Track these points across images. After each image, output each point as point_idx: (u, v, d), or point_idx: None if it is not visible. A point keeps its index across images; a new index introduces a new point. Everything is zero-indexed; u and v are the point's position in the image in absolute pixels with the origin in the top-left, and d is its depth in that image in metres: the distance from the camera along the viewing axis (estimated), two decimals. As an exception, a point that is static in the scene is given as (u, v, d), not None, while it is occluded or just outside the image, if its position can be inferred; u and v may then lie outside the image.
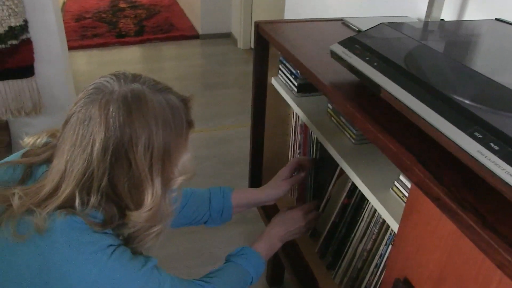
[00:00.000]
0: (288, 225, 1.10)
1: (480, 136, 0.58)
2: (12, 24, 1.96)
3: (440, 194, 0.59)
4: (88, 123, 0.68)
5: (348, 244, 1.08)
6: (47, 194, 0.70)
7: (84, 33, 4.36)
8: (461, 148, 0.59)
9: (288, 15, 2.34)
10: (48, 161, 0.76)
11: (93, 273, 0.68)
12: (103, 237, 0.71)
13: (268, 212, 1.47)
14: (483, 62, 0.84)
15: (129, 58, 4.03)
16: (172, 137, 0.73)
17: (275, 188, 1.17)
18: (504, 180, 0.53)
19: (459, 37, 0.99)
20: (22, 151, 0.82)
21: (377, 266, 0.96)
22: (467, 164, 0.59)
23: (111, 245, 0.71)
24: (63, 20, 4.61)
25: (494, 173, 0.54)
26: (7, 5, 1.90)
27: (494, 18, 1.02)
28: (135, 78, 0.74)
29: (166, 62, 4.02)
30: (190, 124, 0.79)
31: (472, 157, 0.57)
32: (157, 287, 0.76)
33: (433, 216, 0.61)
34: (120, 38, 4.26)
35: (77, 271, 0.67)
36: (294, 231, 1.11)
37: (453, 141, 0.61)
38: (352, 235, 1.06)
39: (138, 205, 0.72)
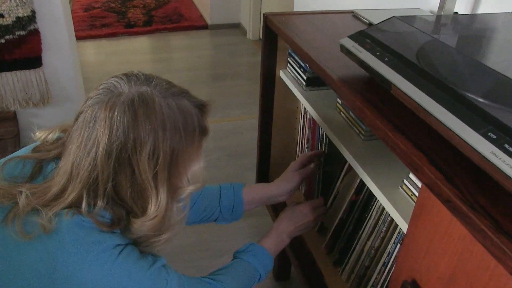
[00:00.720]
0: (296, 220, 1.08)
1: (494, 137, 0.56)
2: (20, 15, 1.95)
3: (451, 196, 0.57)
4: (94, 125, 0.67)
5: (356, 241, 1.07)
6: (54, 195, 0.69)
7: (92, 23, 4.35)
8: (473, 148, 0.57)
9: (298, 6, 2.31)
10: (58, 157, 0.75)
11: (100, 273, 0.67)
12: (111, 237, 0.70)
13: (276, 206, 1.46)
14: (499, 58, 0.82)
15: (137, 49, 4.02)
16: (181, 145, 0.70)
17: (287, 181, 1.13)
18: (519, 184, 0.51)
19: (473, 31, 0.96)
20: (33, 145, 0.81)
21: (384, 265, 0.95)
22: (480, 166, 0.57)
23: (119, 244, 0.70)
24: (72, 10, 4.62)
25: (508, 175, 0.52)
26: (14, -5, 1.89)
27: (510, 11, 0.99)
28: (147, 80, 0.71)
29: (174, 53, 4.00)
30: (204, 132, 0.75)
31: (485, 158, 0.55)
32: (164, 286, 0.75)
33: (444, 218, 0.59)
34: (129, 28, 4.25)
35: (84, 270, 0.66)
36: (303, 226, 1.09)
37: (465, 141, 0.58)
38: (360, 232, 1.04)
39: (143, 211, 0.70)
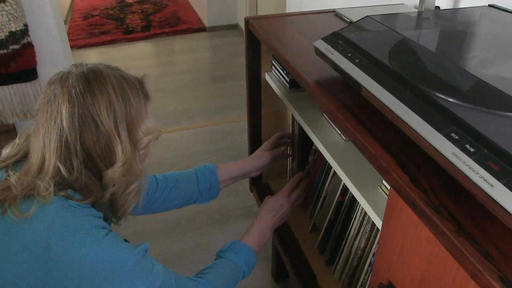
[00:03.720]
0: (274, 212, 1.12)
1: (457, 137, 0.56)
2: (13, 29, 1.97)
3: (416, 199, 0.57)
4: (54, 99, 0.75)
5: (344, 242, 1.07)
6: (37, 170, 0.75)
7: (91, 31, 4.38)
8: (436, 150, 0.57)
9: (290, 6, 2.30)
10: (25, 156, 0.81)
11: (92, 247, 0.72)
12: (97, 220, 0.76)
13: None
14: (471, 55, 0.81)
15: (136, 54, 4.05)
16: (130, 104, 0.79)
17: (259, 158, 1.25)
18: (477, 185, 0.51)
19: (448, 27, 0.95)
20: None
21: (371, 265, 0.95)
22: (444, 167, 0.56)
23: (104, 227, 0.77)
24: (71, 19, 4.65)
25: (467, 176, 0.52)
26: (6, 10, 1.91)
27: (487, 5, 0.98)
28: (90, 63, 0.82)
29: (173, 56, 4.02)
30: (146, 97, 0.85)
31: (447, 159, 0.55)
32: (151, 267, 0.80)
33: (412, 220, 0.59)
34: (127, 34, 4.27)
35: (76, 247, 0.71)
36: (282, 216, 1.14)
37: (429, 143, 0.58)
38: (347, 233, 1.04)
39: (110, 163, 0.77)
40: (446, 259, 0.53)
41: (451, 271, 0.52)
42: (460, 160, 0.53)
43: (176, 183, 1.14)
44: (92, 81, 0.76)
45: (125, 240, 0.79)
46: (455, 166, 0.54)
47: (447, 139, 0.56)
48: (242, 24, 4.29)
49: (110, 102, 0.76)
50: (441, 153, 0.56)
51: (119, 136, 0.77)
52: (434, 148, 0.57)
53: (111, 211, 0.84)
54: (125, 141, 0.78)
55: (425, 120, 0.60)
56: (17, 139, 0.85)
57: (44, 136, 0.75)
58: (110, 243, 0.74)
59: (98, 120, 0.75)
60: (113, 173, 0.77)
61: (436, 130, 0.58)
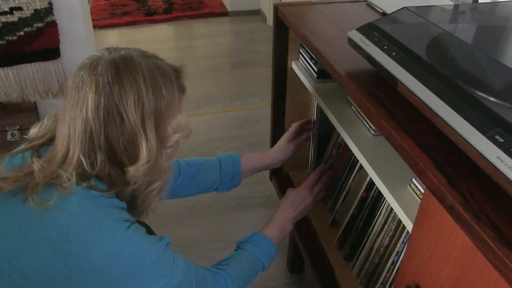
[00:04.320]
0: (296, 205, 1.11)
1: (501, 140, 0.53)
2: (38, 7, 1.96)
3: (454, 203, 0.54)
4: (81, 86, 0.72)
5: (366, 238, 1.05)
6: (60, 160, 0.73)
7: (113, 11, 4.37)
8: (479, 152, 0.54)
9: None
10: (53, 139, 0.78)
11: (112, 241, 0.70)
12: (120, 211, 0.74)
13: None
14: (514, 51, 0.77)
15: (157, 36, 4.03)
16: (162, 97, 0.75)
17: (281, 151, 1.22)
18: (524, 192, 0.48)
19: (492, 22, 0.91)
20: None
21: (393, 264, 0.92)
22: (485, 171, 0.54)
23: (127, 220, 0.74)
24: (93, -1, 4.64)
25: (513, 183, 0.49)
26: (31, -13, 1.90)
27: (531, -1, 0.94)
28: (125, 48, 0.78)
29: (194, 40, 3.99)
30: (181, 89, 0.81)
31: (491, 163, 0.52)
32: (172, 261, 0.78)
33: (447, 225, 0.57)
34: (149, 16, 4.25)
35: (97, 240, 0.69)
36: (304, 209, 1.12)
37: (471, 145, 0.55)
38: (370, 229, 1.02)
39: (134, 160, 0.74)
40: (484, 268, 0.50)
41: (490, 281, 0.50)
42: (506, 164, 0.51)
43: (199, 170, 1.13)
44: (122, 70, 0.72)
45: (150, 231, 0.78)
46: (499, 170, 0.51)
47: (491, 141, 0.53)
48: (264, 10, 4.23)
49: (139, 95, 0.72)
50: (484, 157, 0.53)
51: (145, 132, 0.74)
52: (477, 150, 0.54)
53: (132, 207, 0.82)
54: (151, 138, 0.75)
55: (467, 121, 0.57)
56: (45, 119, 0.83)
57: (69, 124, 0.73)
58: (131, 237, 0.72)
59: (124, 113, 0.72)
60: (135, 170, 0.74)
61: (479, 131, 0.55)
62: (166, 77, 0.77)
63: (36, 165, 0.73)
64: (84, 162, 0.72)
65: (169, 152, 0.81)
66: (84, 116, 0.71)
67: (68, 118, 0.73)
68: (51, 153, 0.75)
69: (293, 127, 1.27)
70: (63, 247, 0.68)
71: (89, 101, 0.71)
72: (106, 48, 0.77)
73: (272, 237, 1.03)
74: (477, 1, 1.12)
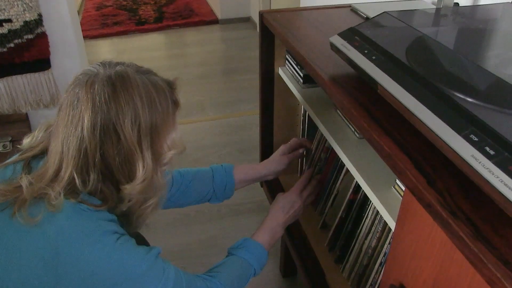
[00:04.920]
0: (286, 210, 1.10)
1: (476, 139, 0.55)
2: (27, 19, 1.98)
3: (432, 201, 0.55)
4: (77, 103, 0.71)
5: (355, 240, 1.06)
6: (52, 177, 0.73)
7: (104, 21, 4.39)
8: (455, 151, 0.56)
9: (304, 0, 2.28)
10: (45, 152, 0.78)
11: (101, 255, 0.70)
12: (109, 224, 0.74)
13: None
14: (492, 53, 0.79)
15: (149, 45, 4.04)
16: (158, 114, 0.75)
17: (275, 162, 1.21)
18: (497, 189, 0.49)
19: (469, 25, 0.93)
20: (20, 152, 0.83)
21: (381, 265, 0.93)
22: (461, 169, 0.55)
23: (116, 232, 0.74)
24: (84, 9, 4.67)
25: (486, 180, 0.50)
26: (21, 0, 1.91)
27: (510, 1, 0.96)
28: (119, 63, 0.78)
29: (186, 48, 4.01)
30: (176, 104, 0.81)
31: (466, 161, 0.54)
32: (162, 272, 0.78)
33: (426, 223, 0.58)
34: (140, 26, 4.27)
35: (86, 253, 0.69)
36: (294, 214, 1.12)
37: (447, 144, 0.57)
38: (358, 231, 1.03)
39: (130, 178, 0.74)
40: (461, 264, 0.52)
41: (467, 277, 0.51)
42: (480, 162, 0.52)
43: (192, 181, 1.13)
44: (118, 88, 0.72)
45: (142, 239, 0.78)
46: (474, 169, 0.52)
47: (466, 140, 0.55)
48: (255, 17, 4.26)
49: (135, 114, 0.72)
50: (459, 155, 0.55)
51: (141, 151, 0.73)
52: (452, 149, 0.56)
53: (127, 222, 0.81)
54: (147, 156, 0.74)
55: (443, 120, 0.59)
56: (36, 130, 0.83)
57: (63, 141, 0.72)
58: (120, 249, 0.72)
59: (121, 133, 0.71)
60: (131, 189, 0.74)
61: (455, 131, 0.57)
62: (161, 93, 0.77)
63: (25, 181, 0.72)
64: (77, 180, 0.72)
65: (164, 169, 0.81)
66: (80, 135, 0.71)
67: (62, 135, 0.72)
68: (42, 168, 0.75)
69: (290, 142, 1.26)
70: (52, 260, 0.68)
71: (85, 120, 0.70)
72: (101, 63, 0.77)
73: (263, 242, 1.03)
74: (458, 5, 1.14)
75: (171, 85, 0.81)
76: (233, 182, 1.17)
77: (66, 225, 0.70)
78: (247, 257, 0.99)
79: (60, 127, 0.73)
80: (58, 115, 0.75)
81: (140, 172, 0.74)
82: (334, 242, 1.19)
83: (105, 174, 0.74)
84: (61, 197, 0.70)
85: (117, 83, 0.72)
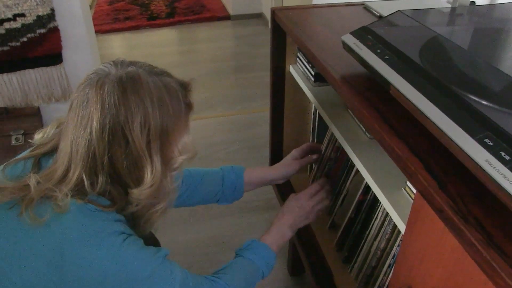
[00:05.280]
0: (295, 212, 1.08)
1: (491, 143, 0.53)
2: (40, 13, 1.99)
3: (443, 206, 0.54)
4: (86, 104, 0.71)
5: (363, 241, 1.05)
6: (60, 177, 0.73)
7: (116, 16, 4.40)
8: (468, 155, 0.54)
9: (316, -4, 2.26)
10: (55, 149, 0.78)
11: (106, 256, 0.69)
12: (117, 224, 0.73)
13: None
14: (509, 54, 0.77)
15: (160, 41, 4.05)
16: (169, 117, 0.74)
17: (286, 167, 1.20)
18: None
19: (486, 25, 0.91)
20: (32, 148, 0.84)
21: (390, 267, 0.92)
22: (475, 174, 0.54)
23: (123, 232, 0.73)
24: (96, 4, 4.69)
25: (501, 186, 0.49)
26: (34, -6, 1.93)
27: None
28: (132, 63, 0.76)
29: (197, 44, 4.01)
30: (189, 107, 0.80)
31: (480, 166, 0.52)
32: (168, 275, 0.77)
33: (437, 227, 0.57)
34: (152, 21, 4.28)
35: (91, 254, 0.69)
36: (303, 217, 1.09)
37: (460, 148, 0.56)
38: (367, 232, 1.02)
39: (138, 182, 0.73)
40: (473, 271, 0.51)
41: (478, 284, 0.50)
42: (494, 168, 0.51)
43: (201, 181, 1.12)
44: (129, 90, 0.71)
45: (151, 237, 0.76)
46: (487, 174, 0.51)
47: (480, 144, 0.54)
48: (267, 13, 4.24)
49: (145, 117, 0.71)
50: (473, 159, 0.53)
51: (150, 155, 0.72)
52: (466, 153, 0.54)
53: (134, 225, 0.80)
54: (156, 161, 0.73)
55: (457, 124, 0.58)
56: (49, 126, 0.83)
57: (72, 142, 0.72)
58: (127, 250, 0.71)
59: (129, 136, 0.70)
60: (139, 194, 0.73)
61: (469, 134, 0.55)
62: (173, 96, 0.75)
63: (33, 180, 0.72)
64: (85, 182, 0.71)
65: (174, 174, 0.80)
66: (88, 136, 0.70)
67: (71, 135, 0.72)
68: (51, 168, 0.75)
69: (302, 146, 1.24)
70: (57, 260, 0.68)
71: (94, 122, 0.70)
72: (113, 61, 0.76)
73: (270, 243, 1.02)
74: (474, 3, 1.12)
75: (185, 87, 0.80)
76: (243, 184, 1.16)
77: (72, 226, 0.69)
78: (254, 258, 0.98)
79: (70, 127, 0.72)
80: (68, 114, 0.74)
81: (148, 176, 0.73)
82: (343, 242, 1.18)
83: (113, 177, 0.73)
84: (68, 199, 0.69)
85: (127, 85, 0.71)
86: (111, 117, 0.69)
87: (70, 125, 0.72)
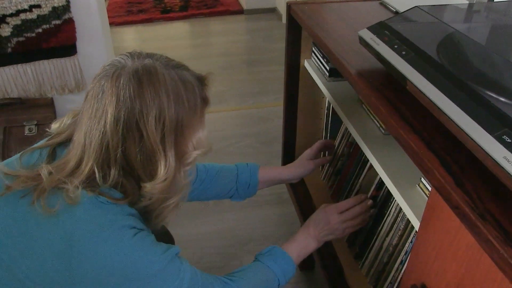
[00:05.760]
0: (321, 224, 1.02)
1: (509, 140, 0.53)
2: (55, 4, 2.00)
3: (460, 203, 0.54)
4: (102, 96, 0.70)
5: (375, 237, 1.05)
6: (72, 169, 0.72)
7: (130, 8, 4.42)
8: (486, 152, 0.54)
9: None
10: (70, 140, 0.78)
11: (115, 249, 0.69)
12: (128, 218, 0.72)
13: (301, 201, 1.45)
14: (527, 51, 0.76)
15: (173, 34, 4.06)
16: (185, 112, 0.73)
17: (300, 167, 1.20)
18: (530, 193, 0.48)
19: (504, 22, 0.90)
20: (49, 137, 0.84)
21: (402, 263, 0.92)
22: (492, 171, 0.53)
23: (134, 227, 0.72)
24: (110, -4, 4.69)
25: (519, 184, 0.49)
26: (50, -15, 1.94)
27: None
28: (149, 55, 0.75)
29: (210, 38, 4.01)
30: (205, 101, 0.79)
31: (498, 163, 0.52)
32: (177, 273, 0.76)
33: (453, 224, 0.57)
34: (165, 14, 4.29)
35: (99, 247, 0.68)
36: (329, 231, 1.03)
37: (478, 144, 0.55)
38: (379, 228, 1.02)
39: (152, 176, 0.72)
40: (489, 268, 0.50)
41: (495, 282, 0.50)
42: (512, 165, 0.50)
43: (216, 177, 1.12)
44: (144, 84, 0.69)
45: (167, 233, 0.75)
46: (506, 171, 0.51)
47: (498, 141, 0.53)
48: (280, 8, 4.23)
49: (160, 111, 0.70)
50: (491, 156, 0.53)
51: (164, 150, 0.71)
52: (484, 150, 0.54)
53: (146, 219, 0.79)
54: (170, 156, 0.72)
55: (474, 120, 0.57)
56: (65, 116, 0.83)
57: (86, 134, 0.71)
58: (136, 245, 0.70)
59: (144, 130, 0.69)
60: (152, 188, 0.72)
61: (487, 131, 0.55)
62: (189, 90, 0.74)
63: (45, 171, 0.71)
64: (97, 175, 0.71)
65: (188, 169, 0.79)
66: (102, 129, 0.70)
67: (85, 127, 0.72)
68: (64, 159, 0.74)
69: (316, 145, 1.22)
70: (66, 251, 0.68)
71: (109, 114, 0.69)
72: (129, 53, 0.75)
73: (291, 252, 0.98)
74: (492, 0, 1.11)
75: (202, 81, 0.79)
76: (256, 182, 1.16)
77: (82, 218, 0.69)
78: (272, 266, 0.94)
79: (85, 119, 0.72)
80: (83, 105, 0.74)
81: (161, 171, 0.72)
82: (354, 238, 1.18)
83: (126, 170, 0.73)
84: (79, 191, 0.69)
85: (143, 78, 0.70)
86: (126, 110, 0.69)
87: (85, 116, 0.72)
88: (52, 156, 0.78)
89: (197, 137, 0.78)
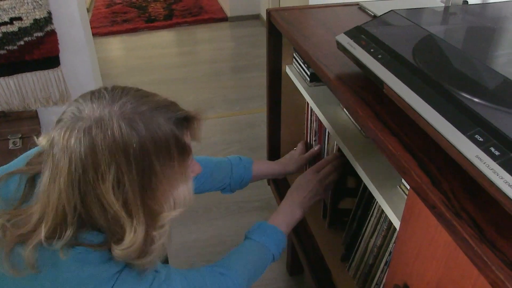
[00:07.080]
0: (302, 189, 1.06)
1: (481, 139, 0.54)
2: (37, 17, 1.99)
3: (436, 202, 0.55)
4: (58, 150, 0.62)
5: (360, 238, 1.05)
6: (33, 225, 0.66)
7: (114, 19, 4.41)
8: (459, 151, 0.55)
9: (313, -4, 2.27)
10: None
11: None
12: (105, 267, 0.67)
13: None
14: (500, 53, 0.78)
15: (158, 43, 4.06)
16: (153, 170, 0.64)
17: (292, 162, 1.24)
18: (502, 191, 0.49)
19: (477, 24, 0.92)
20: (27, 153, 0.79)
21: (387, 264, 0.93)
22: (466, 170, 0.55)
23: (116, 272, 0.67)
24: (94, 7, 4.70)
25: (491, 181, 0.50)
26: (31, -3, 1.93)
27: (519, -1, 0.95)
28: (114, 100, 0.64)
29: (195, 46, 4.02)
30: (184, 151, 0.69)
31: (471, 162, 0.53)
32: None
33: (431, 224, 0.57)
34: (150, 23, 4.29)
35: None
36: (312, 193, 1.06)
37: (452, 144, 0.56)
38: (364, 229, 1.03)
39: (118, 240, 0.64)
40: (465, 266, 0.51)
41: (471, 279, 0.50)
42: (484, 163, 0.51)
43: (211, 172, 1.12)
44: (98, 146, 0.60)
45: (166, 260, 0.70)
46: (478, 169, 0.52)
47: (471, 141, 0.54)
48: (264, 15, 4.25)
49: (118, 177, 0.61)
50: (464, 156, 0.54)
51: (129, 216, 0.63)
52: (457, 150, 0.55)
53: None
54: (136, 222, 0.64)
55: (448, 121, 0.58)
56: (41, 137, 0.69)
57: (46, 187, 0.64)
58: None
59: (103, 200, 0.62)
60: (119, 252, 0.64)
61: (460, 131, 0.56)
62: (160, 144, 0.64)
63: (3, 228, 0.66)
64: (56, 235, 0.64)
65: (163, 231, 0.68)
66: (58, 191, 0.63)
67: (46, 178, 0.64)
68: (29, 211, 0.67)
69: (302, 142, 1.28)
70: None
71: (62, 178, 0.62)
72: (96, 94, 0.65)
73: (279, 224, 0.99)
74: (467, 3, 1.13)
75: (186, 123, 0.69)
76: (250, 177, 1.17)
77: (61, 277, 0.65)
78: (264, 240, 0.95)
79: (45, 171, 0.65)
80: (49, 148, 0.65)
81: (127, 237, 0.63)
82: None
83: (94, 227, 0.66)
84: (33, 261, 0.64)
85: (96, 139, 0.60)
86: (78, 176, 0.61)
87: (46, 168, 0.65)
88: (31, 188, 0.72)
89: (176, 194, 0.69)
